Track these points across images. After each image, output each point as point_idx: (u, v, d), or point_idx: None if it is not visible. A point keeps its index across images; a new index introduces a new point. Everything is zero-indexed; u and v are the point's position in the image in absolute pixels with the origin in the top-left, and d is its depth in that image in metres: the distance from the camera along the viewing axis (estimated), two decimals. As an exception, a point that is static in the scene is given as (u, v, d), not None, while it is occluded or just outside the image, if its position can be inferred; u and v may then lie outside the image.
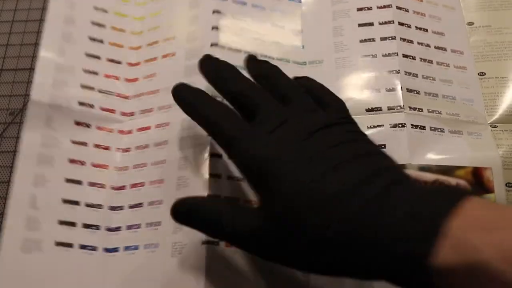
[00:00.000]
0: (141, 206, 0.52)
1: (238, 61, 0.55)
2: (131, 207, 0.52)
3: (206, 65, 0.47)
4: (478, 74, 0.56)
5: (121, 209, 0.53)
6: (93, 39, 0.58)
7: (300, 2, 0.60)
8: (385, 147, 0.53)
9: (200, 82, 0.54)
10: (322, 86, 0.46)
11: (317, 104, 0.42)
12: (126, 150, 0.55)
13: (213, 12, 0.58)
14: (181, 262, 0.49)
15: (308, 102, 0.42)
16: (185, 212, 0.41)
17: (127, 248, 0.51)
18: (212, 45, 0.56)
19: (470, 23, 0.59)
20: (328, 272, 0.35)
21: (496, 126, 0.54)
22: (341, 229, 0.32)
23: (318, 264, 0.34)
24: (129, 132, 0.56)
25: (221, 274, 0.49)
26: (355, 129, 0.42)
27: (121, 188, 0.54)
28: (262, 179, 0.36)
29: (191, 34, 0.57)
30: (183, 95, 0.46)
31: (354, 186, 0.33)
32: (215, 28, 0.57)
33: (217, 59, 0.47)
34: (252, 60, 0.48)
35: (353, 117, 0.54)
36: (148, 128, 0.55)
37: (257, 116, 0.40)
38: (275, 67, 0.46)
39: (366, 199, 0.33)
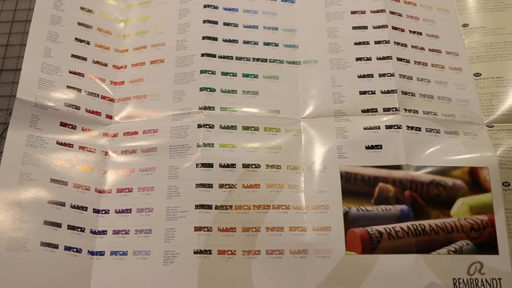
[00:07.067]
0: (129, 212, 0.52)
1: (228, 68, 0.56)
2: (118, 212, 0.52)
3: None
4: (474, 74, 0.56)
5: (106, 213, 0.52)
6: (79, 40, 0.58)
7: (294, 2, 0.61)
8: (381, 148, 0.52)
9: (188, 90, 0.55)
10: None
11: None
12: (113, 153, 0.55)
13: (204, 21, 0.58)
14: (174, 271, 0.49)
15: None
16: None
17: (114, 252, 0.51)
18: (202, 55, 0.57)
19: (465, 25, 0.59)
20: None
21: (492, 126, 0.53)
22: None
23: None
24: (115, 135, 0.55)
25: (213, 283, 0.48)
26: None
27: (106, 191, 0.53)
28: None
29: (181, 42, 0.58)
30: None
31: None
32: (206, 38, 0.57)
33: None
34: None
35: (349, 117, 0.54)
36: (135, 133, 0.55)
37: None
38: None
39: None
